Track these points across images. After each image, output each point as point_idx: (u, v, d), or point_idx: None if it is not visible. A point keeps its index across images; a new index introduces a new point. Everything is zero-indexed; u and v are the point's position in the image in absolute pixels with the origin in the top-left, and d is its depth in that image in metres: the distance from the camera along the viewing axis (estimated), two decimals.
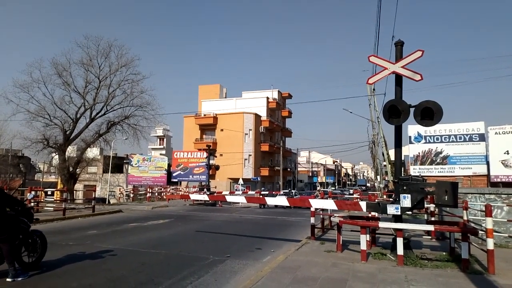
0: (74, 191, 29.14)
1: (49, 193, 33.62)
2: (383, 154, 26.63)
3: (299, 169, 73.37)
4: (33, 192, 15.28)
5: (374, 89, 25.99)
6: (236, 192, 28.59)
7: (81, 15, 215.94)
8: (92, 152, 34.86)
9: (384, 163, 27.90)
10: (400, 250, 6.76)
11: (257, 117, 50.52)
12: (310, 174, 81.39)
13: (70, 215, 15.32)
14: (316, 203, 9.50)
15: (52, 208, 17.42)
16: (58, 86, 26.92)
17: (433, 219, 10.39)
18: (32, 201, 15.05)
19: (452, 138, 19.14)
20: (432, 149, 19.57)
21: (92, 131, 28.27)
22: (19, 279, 5.75)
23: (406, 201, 7.07)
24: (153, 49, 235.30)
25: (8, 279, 5.67)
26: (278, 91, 59.01)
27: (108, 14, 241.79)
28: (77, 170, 28.38)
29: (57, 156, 28.48)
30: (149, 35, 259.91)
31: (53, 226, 12.56)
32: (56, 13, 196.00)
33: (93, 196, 19.01)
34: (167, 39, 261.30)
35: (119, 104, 28.29)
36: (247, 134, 48.76)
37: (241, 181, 33.54)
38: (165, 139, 71.48)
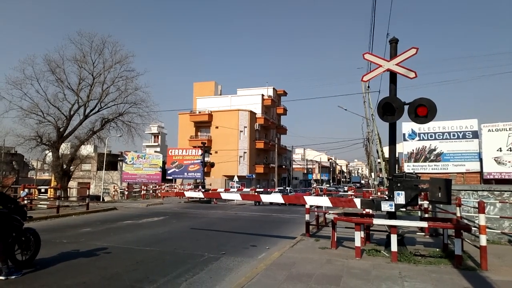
0: (68, 189, 28.94)
1: (42, 190, 33.43)
2: (377, 152, 26.75)
3: (294, 166, 73.58)
4: (26, 190, 15.06)
5: (368, 87, 26.06)
6: (231, 190, 28.58)
7: (74, 10, 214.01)
8: (86, 150, 34.68)
9: (379, 160, 28.02)
10: (394, 247, 6.80)
11: (252, 114, 50.49)
12: (305, 171, 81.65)
13: (64, 213, 15.22)
14: (311, 200, 9.50)
15: (45, 206, 17.28)
16: (51, 83, 26.76)
17: (426, 215, 10.46)
18: (25, 198, 14.91)
19: (446, 136, 19.24)
20: (426, 146, 19.63)
21: (86, 128, 28.16)
22: (13, 277, 5.71)
23: (400, 198, 7.11)
24: (147, 46, 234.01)
25: (1, 277, 5.63)
26: (273, 88, 58.98)
27: (101, 10, 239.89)
28: (71, 167, 28.22)
29: (50, 154, 28.33)
30: (143, 31, 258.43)
31: (47, 224, 12.48)
32: (49, 8, 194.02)
33: (87, 193, 18.85)
34: (161, 36, 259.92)
35: (113, 101, 28.19)
36: (242, 131, 48.75)
37: (236, 179, 33.46)
38: (159, 136, 71.20)
